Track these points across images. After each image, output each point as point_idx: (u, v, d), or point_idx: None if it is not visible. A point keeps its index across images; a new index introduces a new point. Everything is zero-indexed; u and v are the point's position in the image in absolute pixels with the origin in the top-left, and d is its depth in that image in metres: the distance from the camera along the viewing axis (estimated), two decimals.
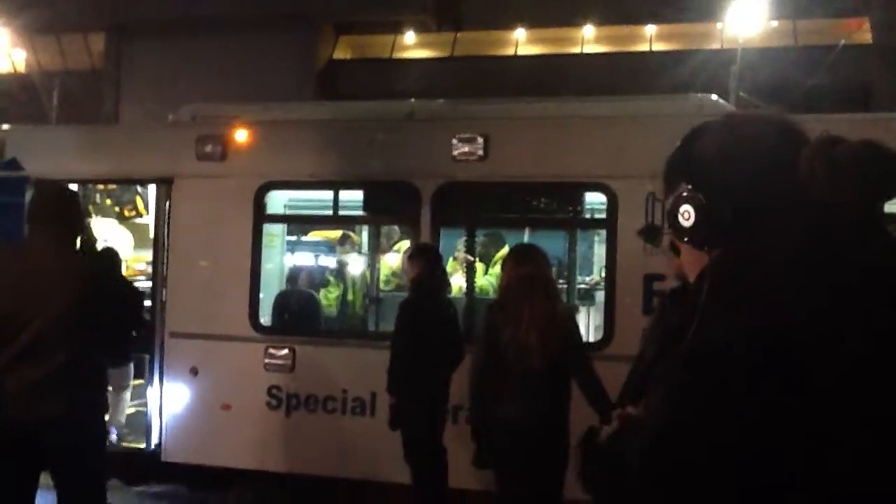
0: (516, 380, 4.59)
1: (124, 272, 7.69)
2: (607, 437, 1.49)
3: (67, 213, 3.99)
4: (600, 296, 7.07)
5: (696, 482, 1.09)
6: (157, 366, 6.65)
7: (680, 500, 1.11)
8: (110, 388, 4.80)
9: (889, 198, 1.23)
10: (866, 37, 20.20)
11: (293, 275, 8.16)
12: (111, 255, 6.89)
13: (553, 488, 4.67)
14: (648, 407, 1.24)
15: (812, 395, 1.07)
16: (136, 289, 6.46)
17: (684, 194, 1.31)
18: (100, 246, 7.79)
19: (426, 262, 5.51)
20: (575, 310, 6.57)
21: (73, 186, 7.77)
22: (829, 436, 1.06)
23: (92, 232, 3.68)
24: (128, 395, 7.39)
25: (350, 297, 8.09)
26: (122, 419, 7.25)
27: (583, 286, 8.18)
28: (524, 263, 4.79)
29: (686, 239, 1.31)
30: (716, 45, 20.22)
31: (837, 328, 1.11)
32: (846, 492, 1.06)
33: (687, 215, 1.29)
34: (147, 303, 6.56)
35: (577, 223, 7.18)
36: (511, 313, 4.63)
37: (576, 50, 22.68)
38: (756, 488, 1.06)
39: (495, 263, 7.29)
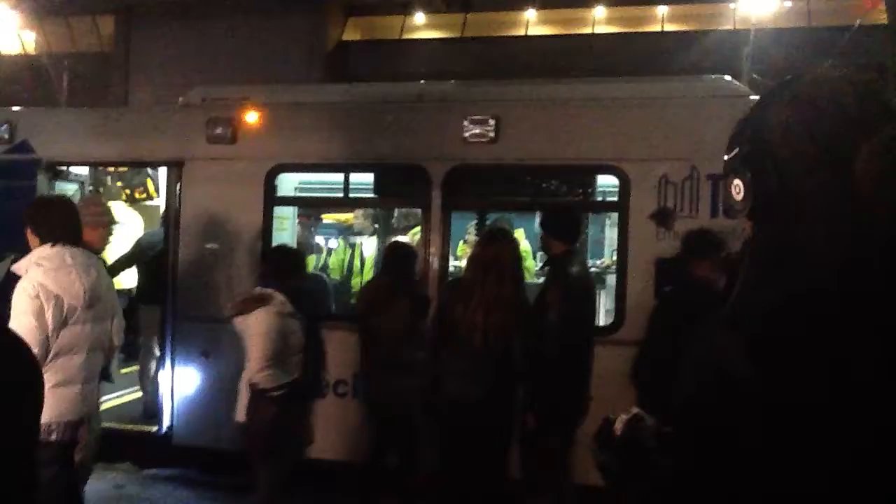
0: (463, 357, 4.70)
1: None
2: (623, 428, 1.49)
3: None
4: (611, 279, 7.05)
5: (725, 450, 1.11)
6: (168, 349, 6.67)
7: (716, 463, 1.13)
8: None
9: None
10: (881, 17, 19.94)
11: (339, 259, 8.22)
12: None
13: (496, 467, 4.76)
14: (684, 370, 1.25)
15: (852, 361, 1.08)
16: None
17: (734, 167, 1.30)
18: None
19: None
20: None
21: (84, 169, 7.84)
22: (867, 397, 1.07)
23: None
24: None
25: (361, 280, 8.10)
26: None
27: (594, 270, 8.15)
28: (489, 245, 4.89)
29: (737, 213, 1.30)
30: (728, 26, 20.02)
31: (877, 299, 1.12)
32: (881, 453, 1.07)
33: (738, 189, 1.28)
34: None
35: (589, 206, 7.14)
36: (464, 292, 4.78)
37: (587, 31, 22.48)
38: (796, 449, 1.07)
39: None
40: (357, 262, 8.17)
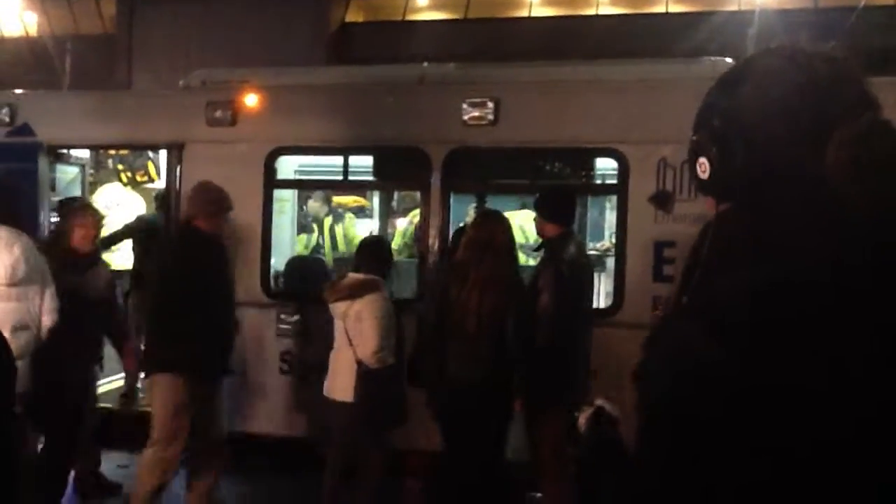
0: (459, 338, 4.72)
1: None
2: (585, 426, 1.49)
3: None
4: (611, 262, 7.05)
5: (700, 441, 1.07)
6: None
7: (685, 462, 1.08)
8: None
9: None
10: None
11: (304, 240, 8.20)
12: None
13: (495, 448, 4.78)
14: (650, 362, 1.21)
15: (817, 355, 1.03)
16: None
17: (700, 144, 1.26)
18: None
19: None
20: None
21: (86, 152, 7.84)
22: (835, 396, 1.02)
23: None
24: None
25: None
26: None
27: (593, 252, 8.15)
28: (482, 227, 4.90)
29: (703, 191, 1.27)
30: (733, 7, 19.88)
31: (848, 294, 1.06)
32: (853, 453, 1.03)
33: (703, 167, 1.25)
34: None
35: (589, 189, 7.14)
36: (458, 274, 4.79)
37: (590, 12, 22.36)
38: (763, 446, 1.03)
39: None
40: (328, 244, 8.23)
